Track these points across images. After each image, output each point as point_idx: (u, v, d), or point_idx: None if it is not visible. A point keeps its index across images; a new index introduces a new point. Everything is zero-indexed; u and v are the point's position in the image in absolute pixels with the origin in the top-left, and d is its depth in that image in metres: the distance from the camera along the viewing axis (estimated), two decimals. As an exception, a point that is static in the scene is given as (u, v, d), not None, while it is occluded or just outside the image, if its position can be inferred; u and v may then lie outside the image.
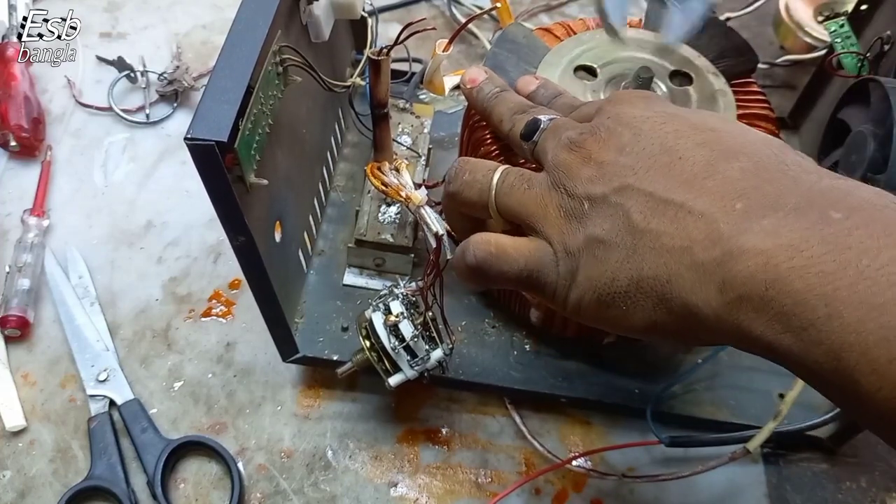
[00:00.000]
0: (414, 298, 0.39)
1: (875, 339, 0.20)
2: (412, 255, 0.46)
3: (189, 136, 0.28)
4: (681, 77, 0.41)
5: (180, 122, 0.60)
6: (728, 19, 0.62)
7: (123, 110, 0.59)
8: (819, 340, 0.21)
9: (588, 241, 0.27)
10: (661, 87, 0.40)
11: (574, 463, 0.44)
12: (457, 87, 0.42)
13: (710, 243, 0.24)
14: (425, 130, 0.51)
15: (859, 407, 0.21)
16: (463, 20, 0.65)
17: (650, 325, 0.26)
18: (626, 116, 0.29)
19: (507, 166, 0.31)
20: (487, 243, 0.30)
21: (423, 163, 0.49)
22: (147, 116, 0.59)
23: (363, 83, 0.46)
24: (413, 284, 0.39)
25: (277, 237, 0.39)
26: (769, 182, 0.24)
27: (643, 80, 0.38)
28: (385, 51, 0.37)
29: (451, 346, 0.39)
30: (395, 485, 0.43)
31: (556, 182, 0.29)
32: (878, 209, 0.22)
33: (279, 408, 0.46)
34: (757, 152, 0.25)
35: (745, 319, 0.23)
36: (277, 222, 0.39)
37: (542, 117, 0.32)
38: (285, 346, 0.43)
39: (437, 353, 0.39)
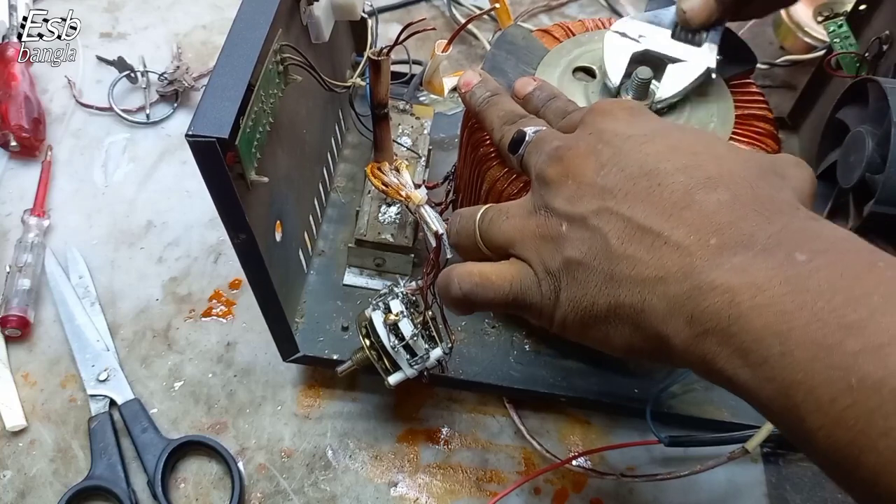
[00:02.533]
0: (414, 297, 0.39)
1: (821, 379, 0.21)
2: (412, 255, 0.46)
3: (190, 132, 0.28)
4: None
5: (180, 122, 0.60)
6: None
7: (124, 110, 0.59)
8: (772, 377, 0.22)
9: (567, 262, 0.27)
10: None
11: (573, 462, 0.44)
12: (455, 89, 0.42)
13: (683, 276, 0.24)
14: (425, 131, 0.51)
15: (806, 444, 0.22)
16: (463, 21, 0.65)
17: (629, 348, 0.27)
18: (608, 133, 0.29)
19: (488, 206, 0.32)
20: (471, 274, 0.30)
21: (423, 163, 0.49)
22: (147, 116, 0.59)
23: (363, 84, 0.46)
24: (413, 283, 0.39)
25: (278, 236, 0.39)
26: (743, 218, 0.25)
27: (642, 81, 0.38)
28: (385, 51, 0.37)
29: (450, 345, 0.39)
30: (395, 484, 0.43)
31: (537, 200, 0.29)
32: (840, 253, 0.23)
33: (279, 407, 0.46)
34: (735, 182, 0.26)
35: (709, 352, 0.24)
36: (278, 222, 0.39)
37: (528, 129, 0.32)
38: (286, 345, 0.43)
39: (436, 352, 0.39)
